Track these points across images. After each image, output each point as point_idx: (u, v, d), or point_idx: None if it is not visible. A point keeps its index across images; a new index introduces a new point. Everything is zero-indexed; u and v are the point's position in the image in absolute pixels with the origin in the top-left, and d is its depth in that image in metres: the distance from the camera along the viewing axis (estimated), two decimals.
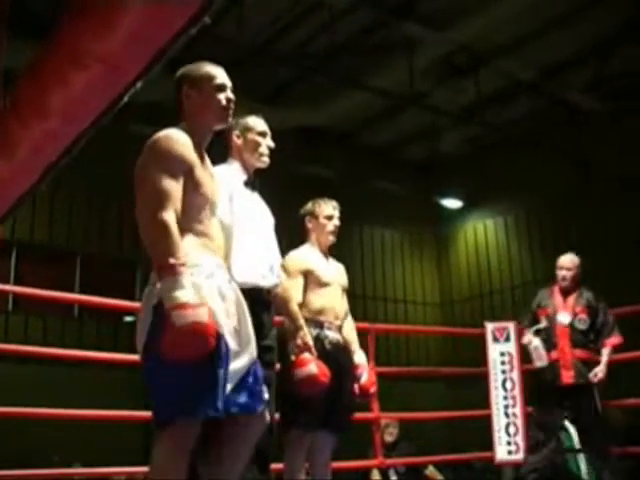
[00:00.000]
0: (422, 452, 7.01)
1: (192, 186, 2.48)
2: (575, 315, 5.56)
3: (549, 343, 5.56)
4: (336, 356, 3.92)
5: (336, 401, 3.81)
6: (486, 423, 6.46)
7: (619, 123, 11.00)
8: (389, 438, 6.89)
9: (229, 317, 2.47)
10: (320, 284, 3.99)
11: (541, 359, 5.51)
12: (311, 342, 3.63)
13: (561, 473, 6.30)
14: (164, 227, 2.33)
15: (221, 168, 3.41)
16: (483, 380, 6.56)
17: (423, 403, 8.25)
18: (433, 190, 13.62)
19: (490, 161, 12.65)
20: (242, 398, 2.46)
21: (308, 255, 4.06)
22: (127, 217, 10.07)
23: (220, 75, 2.67)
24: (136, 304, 8.25)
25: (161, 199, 2.37)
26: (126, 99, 1.31)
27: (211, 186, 2.62)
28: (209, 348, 2.24)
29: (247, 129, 3.49)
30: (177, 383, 2.29)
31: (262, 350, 3.28)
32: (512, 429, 6.14)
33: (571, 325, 5.53)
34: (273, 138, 3.54)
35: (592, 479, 6.86)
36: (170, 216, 2.36)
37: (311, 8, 9.32)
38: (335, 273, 4.15)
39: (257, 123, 3.53)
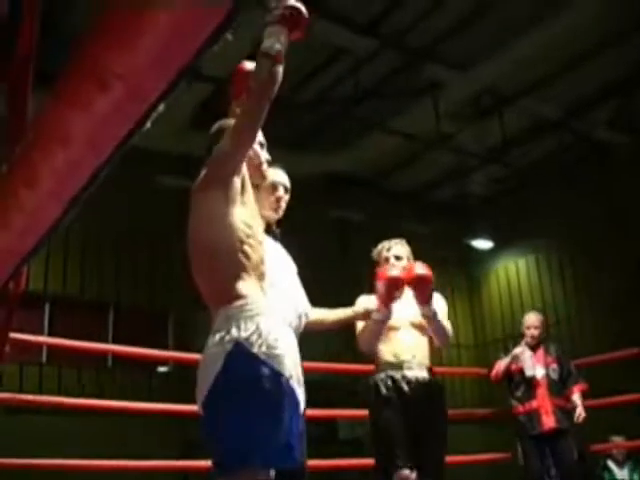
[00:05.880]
0: None
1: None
2: (548, 366, 6.00)
3: (528, 394, 5.98)
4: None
5: None
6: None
7: None
8: None
9: (297, 366, 2.44)
10: None
11: (533, 368, 5.97)
12: None
13: None
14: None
15: None
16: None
17: (459, 446, 8.12)
18: (463, 231, 13.58)
19: (519, 200, 12.61)
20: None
21: None
22: (158, 267, 10.18)
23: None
24: (169, 353, 8.29)
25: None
26: (149, 124, 1.32)
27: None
28: None
29: None
30: (253, 430, 2.19)
31: None
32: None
33: (547, 375, 5.95)
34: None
35: None
36: None
37: (334, 55, 9.43)
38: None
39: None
